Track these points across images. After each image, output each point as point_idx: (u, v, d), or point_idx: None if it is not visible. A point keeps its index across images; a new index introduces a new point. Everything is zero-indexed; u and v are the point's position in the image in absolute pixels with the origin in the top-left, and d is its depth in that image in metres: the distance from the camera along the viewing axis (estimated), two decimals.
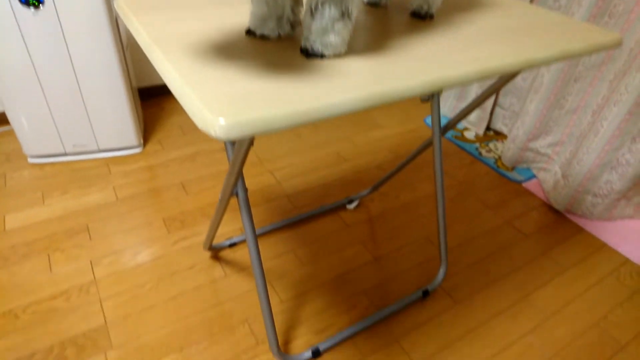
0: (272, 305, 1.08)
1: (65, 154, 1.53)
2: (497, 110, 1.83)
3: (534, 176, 1.61)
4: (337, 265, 1.20)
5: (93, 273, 1.13)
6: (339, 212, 1.39)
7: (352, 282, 1.16)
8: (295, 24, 0.59)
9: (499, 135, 1.85)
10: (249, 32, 0.58)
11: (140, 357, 0.95)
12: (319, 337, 1.02)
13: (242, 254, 1.21)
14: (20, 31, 1.24)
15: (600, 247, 1.32)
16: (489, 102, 1.80)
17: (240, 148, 0.63)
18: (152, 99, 1.97)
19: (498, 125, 1.86)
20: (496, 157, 1.71)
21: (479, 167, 1.65)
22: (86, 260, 1.16)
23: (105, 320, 1.02)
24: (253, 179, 1.51)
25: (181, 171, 1.52)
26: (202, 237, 1.26)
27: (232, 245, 1.23)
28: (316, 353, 0.97)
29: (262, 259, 1.08)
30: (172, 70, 0.47)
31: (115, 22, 1.33)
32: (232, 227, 1.30)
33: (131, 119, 1.51)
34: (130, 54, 1.65)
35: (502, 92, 1.77)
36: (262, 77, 0.47)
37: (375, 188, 1.46)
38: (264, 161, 1.60)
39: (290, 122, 0.42)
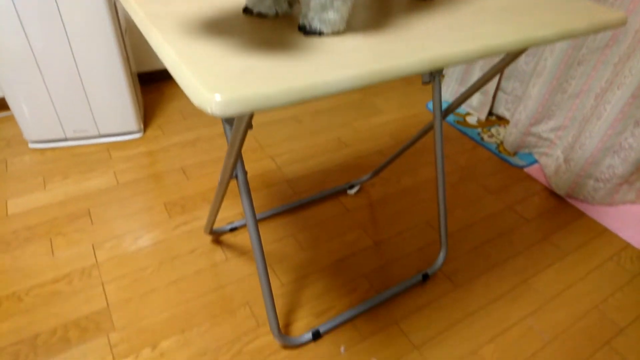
0: (272, 289, 1.09)
1: (65, 139, 1.53)
2: (500, 94, 1.81)
3: (535, 161, 1.60)
4: (337, 249, 1.21)
5: (95, 257, 1.14)
6: (339, 197, 1.39)
7: (352, 266, 1.16)
8: (293, 2, 0.58)
9: (501, 120, 1.84)
10: (246, 10, 0.57)
11: (143, 339, 0.96)
12: (319, 319, 1.02)
13: (243, 238, 1.21)
14: (18, 16, 1.23)
15: (602, 232, 1.31)
16: (492, 87, 1.78)
17: (239, 127, 0.62)
18: (152, 84, 1.96)
19: (500, 110, 1.84)
20: (498, 142, 1.70)
21: (481, 152, 1.64)
22: (88, 244, 1.17)
23: (107, 303, 1.03)
24: (253, 164, 1.51)
25: (182, 156, 1.52)
26: (203, 222, 1.26)
27: (232, 229, 1.24)
28: (316, 335, 0.98)
29: (262, 243, 1.08)
30: (168, 48, 0.47)
31: (113, 6, 1.32)
32: (232, 212, 1.30)
33: (131, 104, 1.50)
34: (130, 39, 1.64)
35: (504, 76, 1.75)
36: (259, 55, 0.47)
37: (376, 173, 1.46)
38: (264, 146, 1.60)
39: (287, 99, 0.41)
